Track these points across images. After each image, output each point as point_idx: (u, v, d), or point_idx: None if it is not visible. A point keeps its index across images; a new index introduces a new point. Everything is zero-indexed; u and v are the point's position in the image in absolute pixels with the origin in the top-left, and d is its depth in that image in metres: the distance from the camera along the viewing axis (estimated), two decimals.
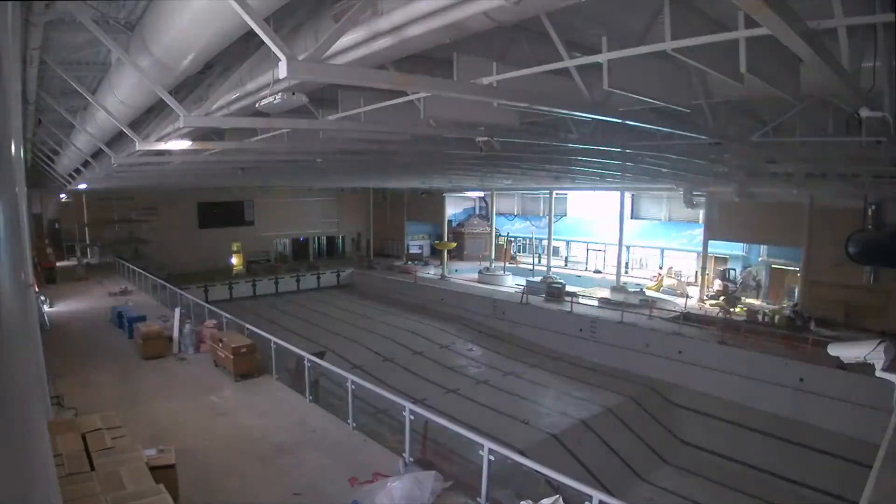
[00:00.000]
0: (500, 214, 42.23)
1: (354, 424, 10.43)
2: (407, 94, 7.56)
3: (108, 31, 5.62)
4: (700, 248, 29.29)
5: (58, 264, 29.27)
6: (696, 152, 13.82)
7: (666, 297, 28.87)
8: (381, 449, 9.51)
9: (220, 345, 13.76)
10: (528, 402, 19.48)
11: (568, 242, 39.65)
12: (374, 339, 26.36)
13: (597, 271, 36.20)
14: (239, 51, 6.33)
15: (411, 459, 8.92)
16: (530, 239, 41.48)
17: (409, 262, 41.67)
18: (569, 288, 29.04)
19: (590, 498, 6.26)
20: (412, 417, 8.99)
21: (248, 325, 15.12)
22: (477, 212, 45.36)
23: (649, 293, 28.86)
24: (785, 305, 25.28)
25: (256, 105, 6.86)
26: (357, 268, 41.21)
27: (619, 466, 16.86)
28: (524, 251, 42.23)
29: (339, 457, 9.16)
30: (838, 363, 15.08)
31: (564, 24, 5.40)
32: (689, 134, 9.40)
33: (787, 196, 23.27)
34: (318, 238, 45.16)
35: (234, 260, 38.06)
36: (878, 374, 5.69)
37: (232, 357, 13.08)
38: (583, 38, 6.06)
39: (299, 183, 36.28)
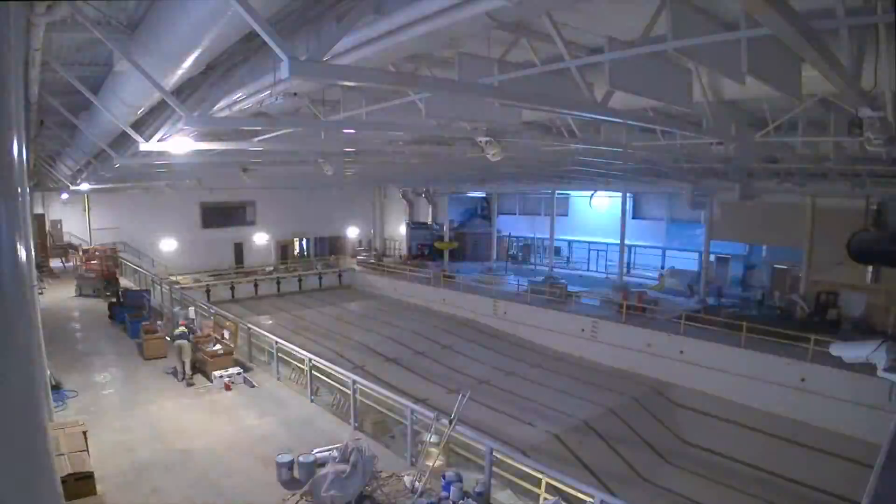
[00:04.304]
0: (501, 214, 42.29)
1: (356, 425, 10.45)
2: (409, 95, 7.58)
3: (109, 32, 5.64)
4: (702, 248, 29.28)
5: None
6: (698, 152, 13.83)
7: (669, 297, 28.85)
8: (383, 449, 9.53)
9: (198, 347, 13.80)
10: (529, 402, 19.47)
11: (570, 242, 39.64)
12: (376, 339, 26.38)
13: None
14: (241, 51, 6.34)
15: (414, 460, 8.94)
16: (532, 239, 41.49)
17: (411, 262, 41.67)
18: (570, 288, 29.03)
19: (592, 498, 6.27)
20: (414, 417, 9.02)
21: (250, 325, 15.15)
22: (479, 212, 45.36)
23: (652, 293, 28.81)
24: None
25: (258, 105, 6.89)
26: (359, 268, 41.22)
27: (621, 466, 16.84)
28: (526, 251, 42.25)
29: None
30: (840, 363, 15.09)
31: (566, 24, 5.41)
32: (690, 134, 9.42)
33: (789, 196, 23.25)
34: (321, 238, 45.17)
35: None
36: (880, 374, 5.68)
37: (210, 360, 13.13)
38: (584, 38, 6.08)
39: (302, 183, 36.34)
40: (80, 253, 28.77)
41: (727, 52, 5.03)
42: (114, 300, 20.31)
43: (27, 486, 2.87)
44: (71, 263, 30.20)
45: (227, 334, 13.98)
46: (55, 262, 30.69)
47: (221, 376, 12.59)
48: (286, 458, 8.53)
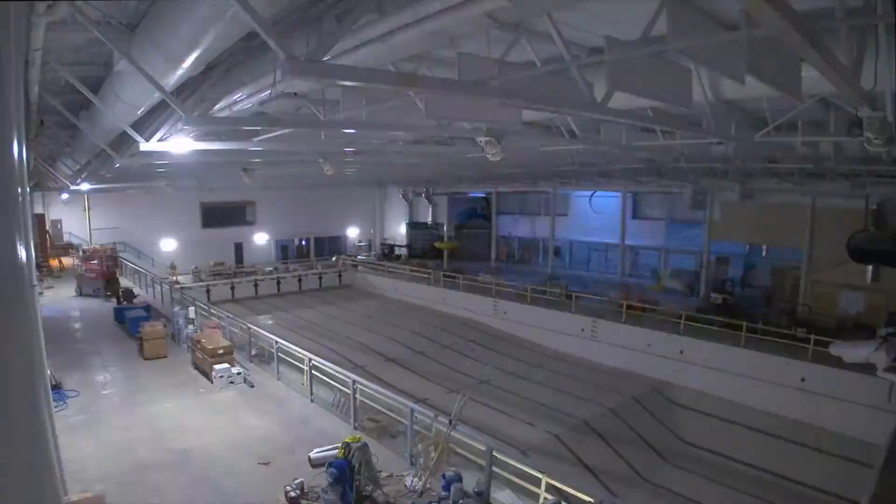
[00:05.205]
0: (501, 214, 42.29)
1: (356, 425, 10.45)
2: (409, 95, 7.57)
3: (109, 32, 5.64)
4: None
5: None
6: (698, 152, 13.84)
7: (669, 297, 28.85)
8: (383, 449, 9.53)
9: (199, 346, 13.68)
10: (529, 402, 19.47)
11: (570, 242, 39.57)
12: (376, 339, 26.37)
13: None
14: (241, 51, 6.34)
15: (413, 460, 8.93)
16: (532, 239, 41.46)
17: (410, 262, 41.67)
18: (570, 288, 29.00)
19: (592, 498, 6.27)
20: (415, 417, 9.02)
21: (251, 326, 15.14)
22: (478, 212, 45.36)
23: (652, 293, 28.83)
24: None
25: (258, 105, 6.89)
26: (359, 267, 41.22)
27: (621, 466, 16.84)
28: (526, 251, 42.23)
29: None
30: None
31: (566, 24, 5.41)
32: (690, 134, 9.42)
33: (789, 196, 23.25)
34: (321, 238, 45.22)
35: None
36: (880, 374, 5.68)
37: (210, 359, 12.97)
38: (584, 38, 6.07)
39: (302, 183, 36.34)
40: (81, 252, 28.77)
41: (727, 52, 5.03)
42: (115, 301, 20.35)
43: (29, 483, 2.87)
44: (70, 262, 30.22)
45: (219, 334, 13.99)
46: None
47: (221, 376, 12.59)
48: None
